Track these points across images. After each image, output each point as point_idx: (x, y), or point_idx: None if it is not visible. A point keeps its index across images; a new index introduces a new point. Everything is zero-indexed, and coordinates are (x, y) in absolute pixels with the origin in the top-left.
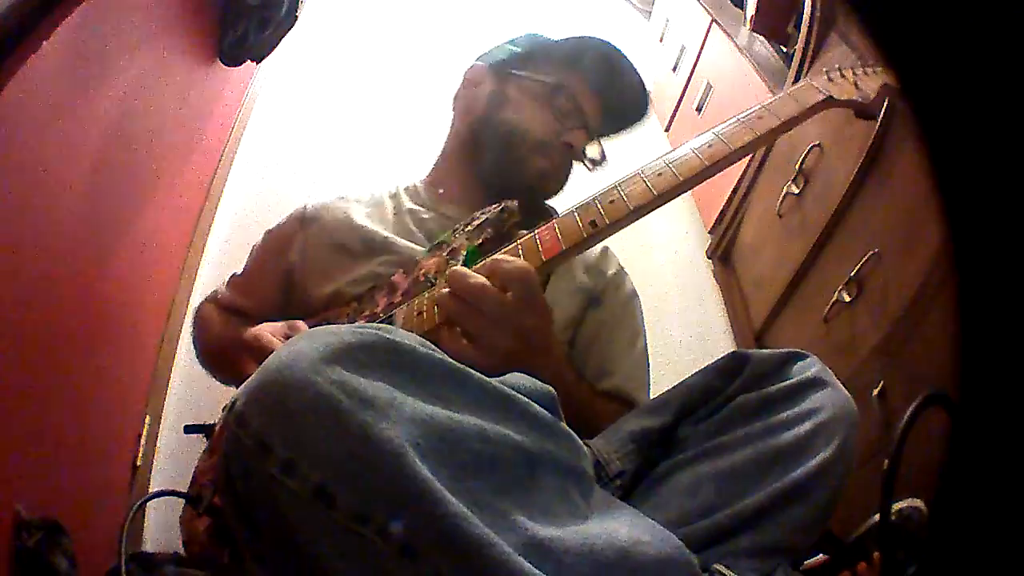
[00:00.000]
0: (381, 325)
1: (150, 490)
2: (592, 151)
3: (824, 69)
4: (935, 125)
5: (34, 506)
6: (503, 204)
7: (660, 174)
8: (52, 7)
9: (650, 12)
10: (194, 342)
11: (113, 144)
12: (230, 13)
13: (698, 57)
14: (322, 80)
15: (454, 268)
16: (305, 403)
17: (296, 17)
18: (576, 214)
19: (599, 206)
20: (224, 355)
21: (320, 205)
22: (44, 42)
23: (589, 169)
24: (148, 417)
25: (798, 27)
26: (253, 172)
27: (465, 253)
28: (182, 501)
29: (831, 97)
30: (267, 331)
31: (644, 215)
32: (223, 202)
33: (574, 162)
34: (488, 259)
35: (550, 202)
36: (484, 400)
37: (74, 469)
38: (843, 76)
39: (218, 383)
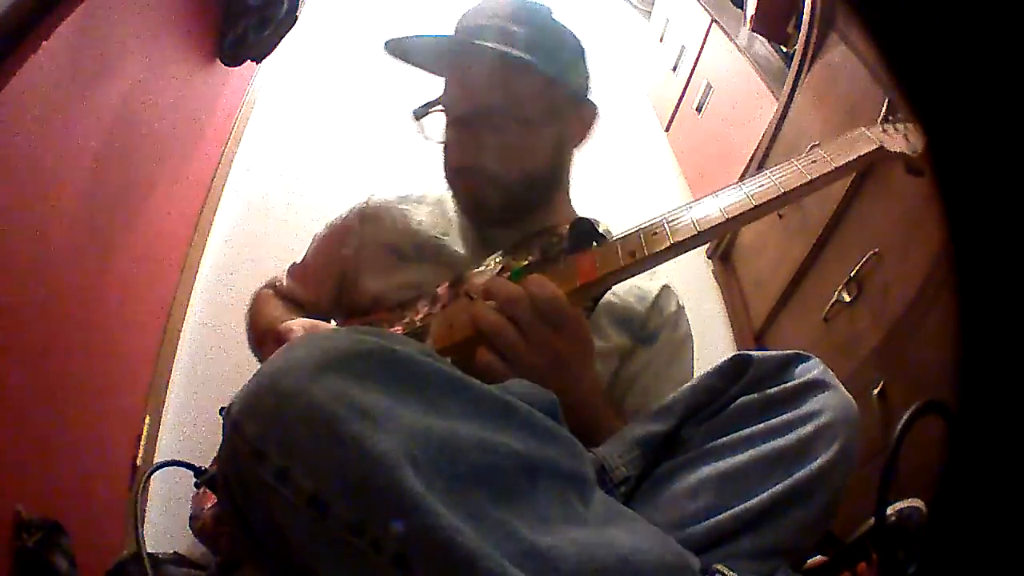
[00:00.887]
0: (380, 331)
1: (150, 489)
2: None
3: (879, 120)
4: (935, 125)
5: (34, 506)
6: (553, 227)
7: (707, 213)
8: (52, 7)
9: (650, 12)
10: (246, 326)
11: (113, 144)
12: (230, 13)
13: (698, 57)
14: (322, 80)
15: (494, 278)
16: (299, 412)
17: (296, 17)
18: (619, 243)
19: (642, 237)
20: (261, 341)
21: (381, 202)
22: (44, 42)
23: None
24: (148, 417)
25: (798, 27)
26: (253, 172)
27: (511, 273)
28: (184, 501)
29: (883, 147)
30: (301, 327)
31: (687, 251)
32: (223, 202)
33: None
34: (522, 279)
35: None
36: (483, 408)
37: (74, 469)
38: (895, 128)
39: (218, 383)
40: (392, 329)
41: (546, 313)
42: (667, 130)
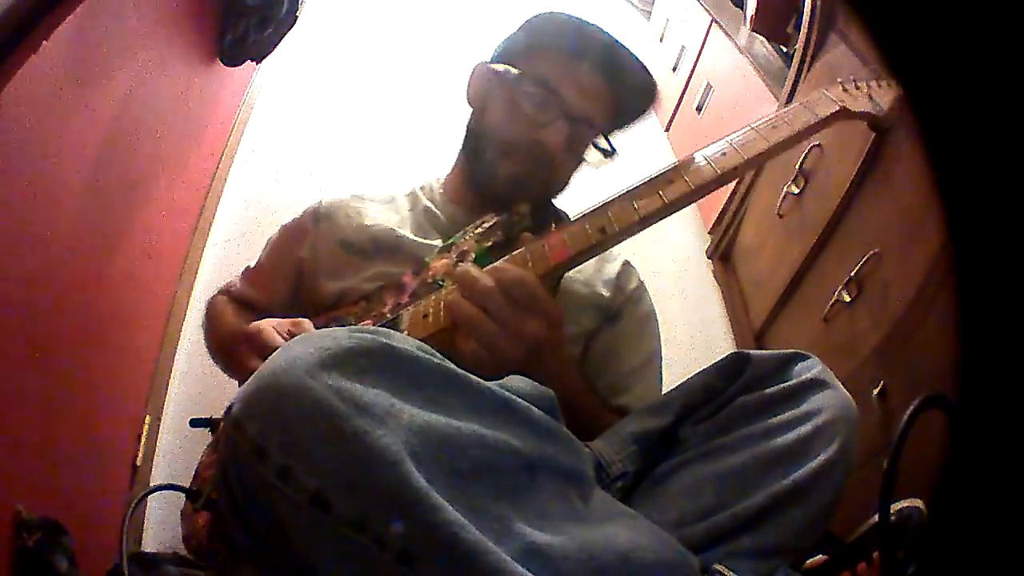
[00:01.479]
0: (379, 329)
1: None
2: (594, 146)
3: (839, 80)
4: (935, 125)
5: (34, 506)
6: (514, 207)
7: (671, 182)
8: (52, 7)
9: (650, 12)
10: (204, 333)
11: (113, 144)
12: (230, 13)
13: (698, 57)
14: (322, 80)
15: (464, 269)
16: (301, 409)
17: (296, 17)
18: (586, 220)
19: (609, 213)
20: (228, 347)
21: (334, 202)
22: (44, 42)
23: (594, 165)
24: (148, 417)
25: (798, 27)
26: (253, 172)
27: (474, 256)
28: (182, 501)
29: (845, 108)
30: (269, 326)
31: (654, 223)
32: (223, 202)
33: (568, 158)
34: (491, 265)
35: (566, 208)
36: (483, 405)
37: (74, 469)
38: (857, 88)
39: (218, 383)
40: (362, 323)
41: (518, 298)
42: (667, 130)
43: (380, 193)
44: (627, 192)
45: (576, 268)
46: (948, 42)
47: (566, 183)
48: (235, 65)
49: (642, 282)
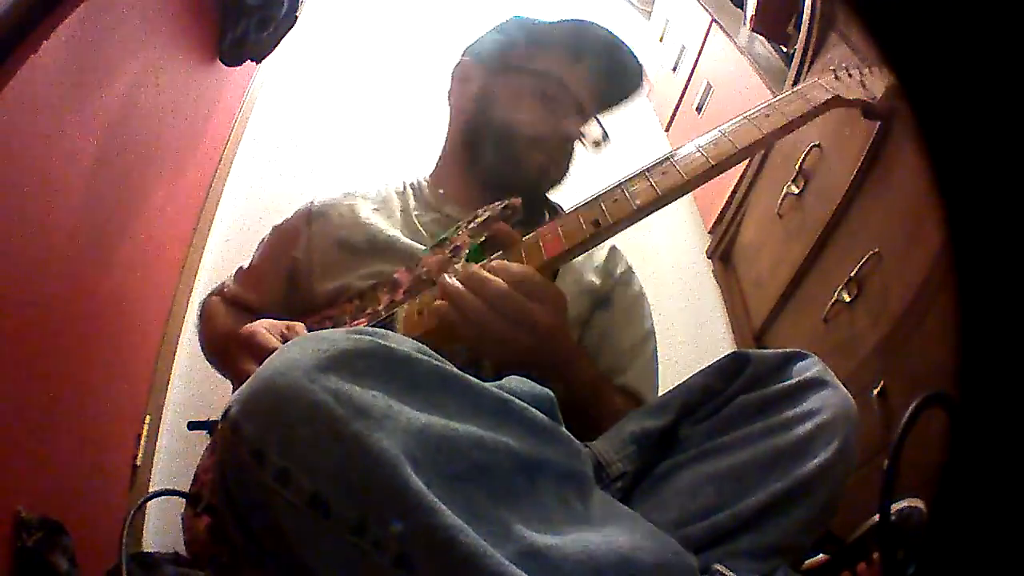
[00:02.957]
0: (376, 330)
1: (150, 490)
2: (593, 132)
3: (831, 68)
4: (935, 125)
5: (34, 506)
6: (506, 201)
7: (665, 173)
8: (52, 7)
9: (650, 12)
10: (198, 334)
11: (113, 144)
12: (230, 13)
13: (698, 57)
14: (322, 80)
15: (473, 271)
16: (299, 412)
17: (296, 17)
18: (580, 213)
19: (603, 205)
20: (222, 349)
21: (327, 202)
22: (44, 42)
23: (593, 151)
24: (148, 417)
25: (798, 27)
26: (253, 172)
27: (468, 250)
28: (183, 501)
29: (838, 96)
30: (263, 328)
31: (649, 214)
32: (223, 202)
33: (575, 148)
34: (489, 261)
35: (556, 198)
36: (481, 406)
37: (74, 469)
38: (850, 75)
39: (218, 383)
40: (357, 322)
41: (527, 293)
42: (667, 130)
43: (372, 192)
44: (620, 184)
45: None
46: (947, 40)
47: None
48: (235, 65)
49: (630, 266)
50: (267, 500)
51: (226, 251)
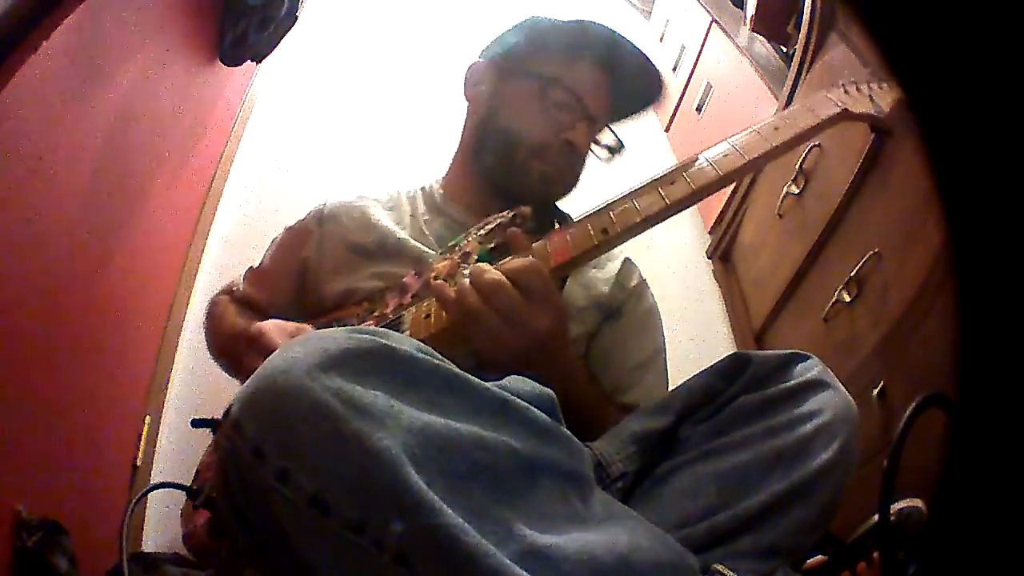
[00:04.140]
0: (378, 329)
1: None
2: (605, 140)
3: (840, 82)
4: (935, 125)
5: (34, 506)
6: (516, 209)
7: (673, 183)
8: (52, 7)
9: (650, 12)
10: (206, 334)
11: (113, 144)
12: (230, 13)
13: (698, 57)
14: (322, 80)
15: (476, 264)
16: (300, 411)
17: (296, 17)
18: (588, 221)
19: (611, 214)
20: (230, 348)
21: (338, 203)
22: (44, 42)
23: (605, 160)
24: (148, 417)
25: (798, 27)
26: (253, 172)
27: (477, 257)
28: (182, 501)
29: (846, 110)
30: (272, 328)
31: (656, 224)
32: (223, 202)
33: (584, 156)
34: (500, 262)
35: (568, 208)
36: (482, 406)
37: (74, 469)
38: (859, 90)
39: (218, 383)
40: (364, 324)
41: (526, 287)
42: (667, 130)
43: (383, 195)
44: (629, 193)
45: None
46: (947, 40)
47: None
48: (235, 65)
49: (643, 279)
50: (268, 498)
51: (226, 251)
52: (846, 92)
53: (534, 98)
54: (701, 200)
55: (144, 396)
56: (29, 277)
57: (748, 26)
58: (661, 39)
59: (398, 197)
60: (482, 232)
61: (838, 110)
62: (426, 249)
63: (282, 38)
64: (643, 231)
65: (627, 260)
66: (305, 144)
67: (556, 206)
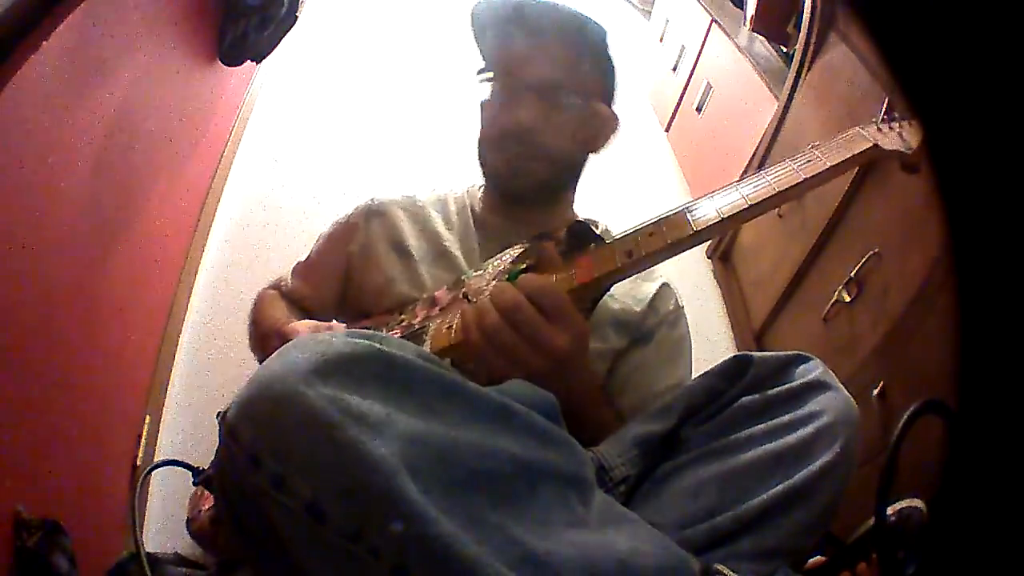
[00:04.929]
0: (375, 334)
1: (150, 490)
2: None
3: (872, 118)
4: (935, 125)
5: (34, 506)
6: (551, 231)
7: (704, 214)
8: (52, 7)
9: (650, 12)
10: (248, 326)
11: (113, 144)
12: (230, 13)
13: (698, 57)
14: (322, 80)
15: (498, 283)
16: (296, 418)
17: (296, 17)
18: (615, 244)
19: (638, 237)
20: (265, 344)
21: (387, 200)
22: (44, 42)
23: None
24: (148, 417)
25: (798, 27)
26: (253, 172)
27: (507, 277)
28: (183, 499)
29: (877, 145)
30: (303, 329)
31: (683, 250)
32: (223, 202)
33: (563, 136)
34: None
35: (609, 228)
36: (481, 412)
37: (74, 469)
38: (890, 127)
39: (218, 383)
40: (390, 332)
41: (544, 307)
42: (667, 130)
43: (431, 195)
44: (659, 219)
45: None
46: (947, 40)
47: (574, 158)
48: (235, 65)
49: (681, 306)
50: (264, 505)
51: (226, 251)
52: (879, 129)
53: (480, 93)
54: (730, 230)
55: (144, 396)
56: (29, 277)
57: (748, 26)
58: (661, 39)
59: (445, 197)
60: (515, 252)
61: (869, 145)
62: (466, 265)
63: (282, 38)
64: (669, 257)
65: (665, 284)
66: (305, 144)
67: (593, 231)
